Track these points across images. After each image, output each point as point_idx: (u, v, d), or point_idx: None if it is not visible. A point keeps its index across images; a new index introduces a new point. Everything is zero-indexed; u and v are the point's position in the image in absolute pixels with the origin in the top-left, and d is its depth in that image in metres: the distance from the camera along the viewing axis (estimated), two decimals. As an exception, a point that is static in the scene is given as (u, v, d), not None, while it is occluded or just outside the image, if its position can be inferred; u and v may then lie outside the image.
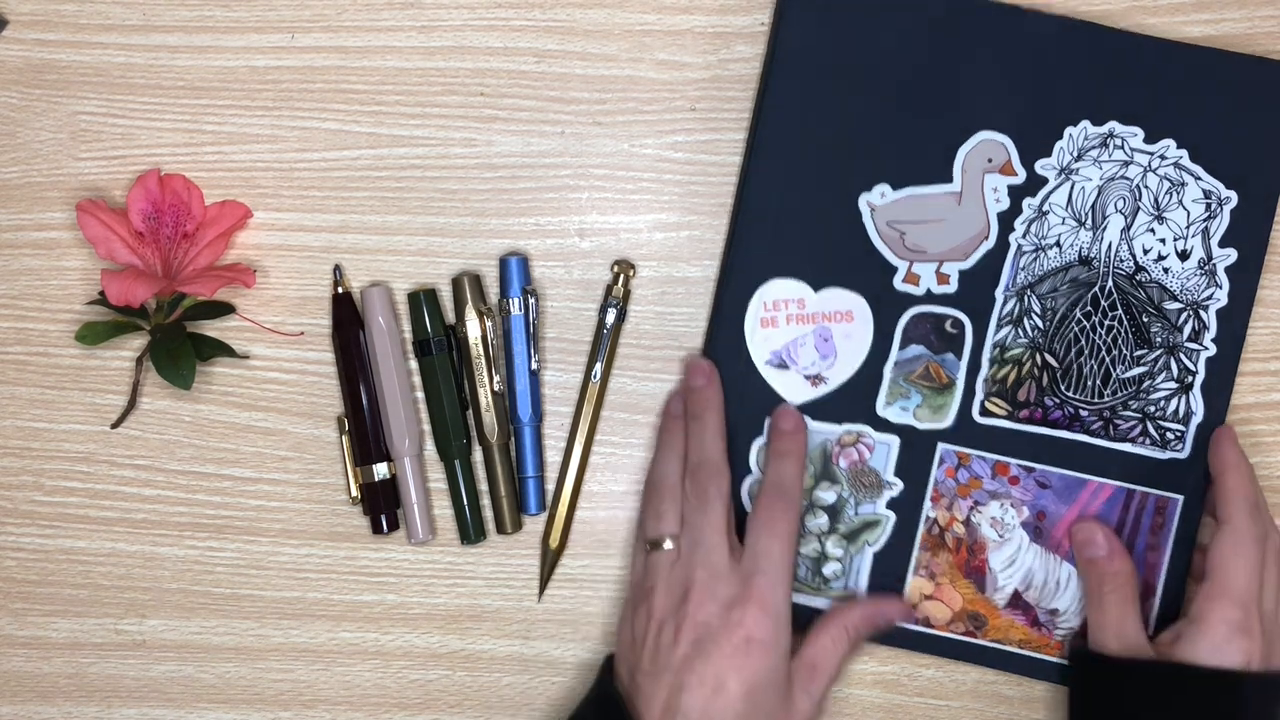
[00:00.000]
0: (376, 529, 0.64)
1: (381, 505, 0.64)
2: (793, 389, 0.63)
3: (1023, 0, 0.62)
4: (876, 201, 0.62)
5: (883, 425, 0.63)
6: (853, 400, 0.63)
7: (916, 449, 0.63)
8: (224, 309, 0.64)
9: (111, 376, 0.64)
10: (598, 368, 0.63)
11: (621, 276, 0.63)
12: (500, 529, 0.64)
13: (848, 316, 0.62)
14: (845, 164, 0.62)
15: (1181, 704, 0.57)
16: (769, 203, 0.62)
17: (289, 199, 0.64)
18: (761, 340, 0.63)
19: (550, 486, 0.65)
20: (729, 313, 0.63)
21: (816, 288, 0.62)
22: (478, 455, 0.65)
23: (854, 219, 0.62)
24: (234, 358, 0.64)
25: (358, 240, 0.64)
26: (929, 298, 0.62)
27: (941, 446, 0.63)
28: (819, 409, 0.63)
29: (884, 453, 0.63)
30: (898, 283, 0.62)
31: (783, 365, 0.63)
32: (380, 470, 0.63)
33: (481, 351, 0.63)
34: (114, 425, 0.64)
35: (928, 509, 0.63)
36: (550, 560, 0.64)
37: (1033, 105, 0.62)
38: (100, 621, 0.65)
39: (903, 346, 0.62)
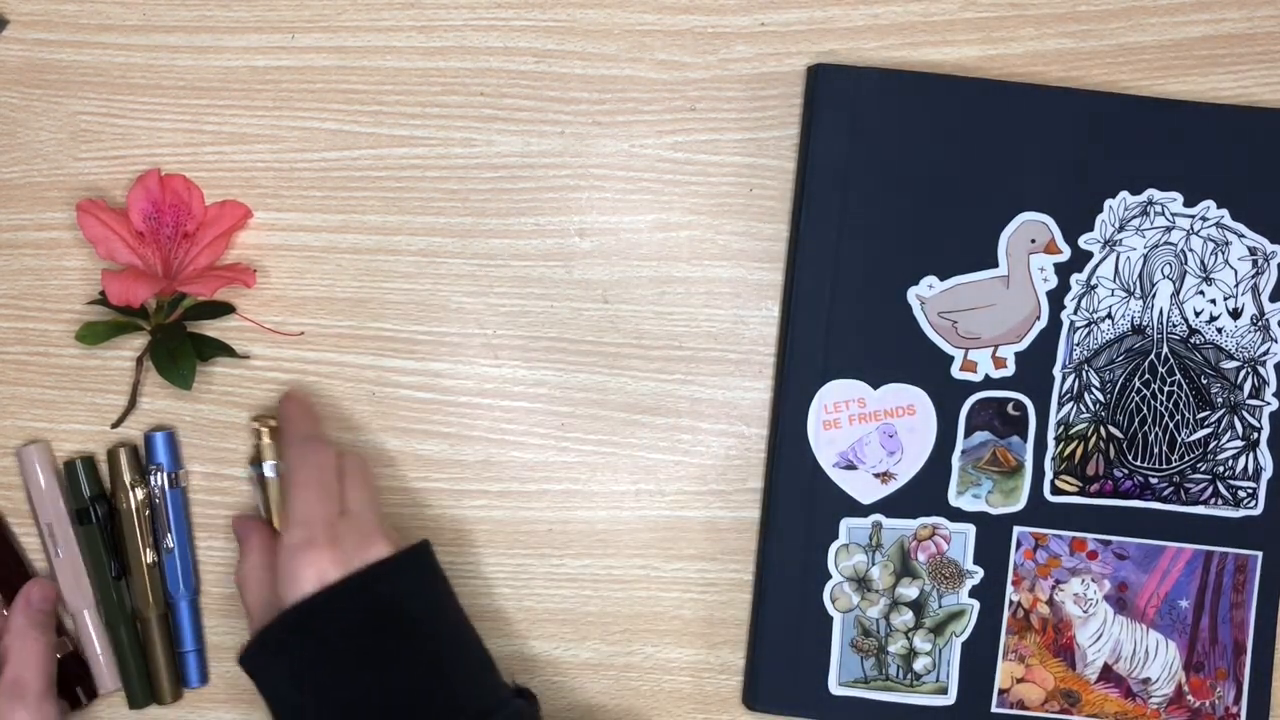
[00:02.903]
0: (75, 704, 0.63)
1: (75, 679, 0.63)
2: (863, 488, 0.63)
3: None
4: (925, 294, 0.63)
5: (957, 515, 0.63)
6: (924, 493, 0.63)
7: (993, 535, 0.63)
8: (224, 309, 0.64)
9: (112, 376, 0.64)
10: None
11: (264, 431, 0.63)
12: (159, 700, 0.63)
13: (909, 410, 0.63)
14: (889, 260, 0.63)
15: (281, 653, 0.54)
16: (818, 307, 0.63)
17: (289, 199, 0.64)
18: (826, 443, 0.63)
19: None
20: (791, 418, 0.63)
21: (875, 385, 0.63)
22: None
23: (905, 313, 0.63)
24: (234, 358, 0.64)
25: (358, 240, 0.64)
26: (988, 383, 0.63)
27: (1017, 530, 0.63)
28: (891, 505, 0.63)
29: (961, 542, 0.63)
30: (955, 372, 0.63)
31: (850, 466, 0.63)
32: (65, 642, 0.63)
33: (136, 524, 0.62)
34: (114, 425, 0.64)
35: (1010, 593, 0.64)
36: None
37: (1069, 181, 0.63)
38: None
39: (968, 434, 0.63)
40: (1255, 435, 0.64)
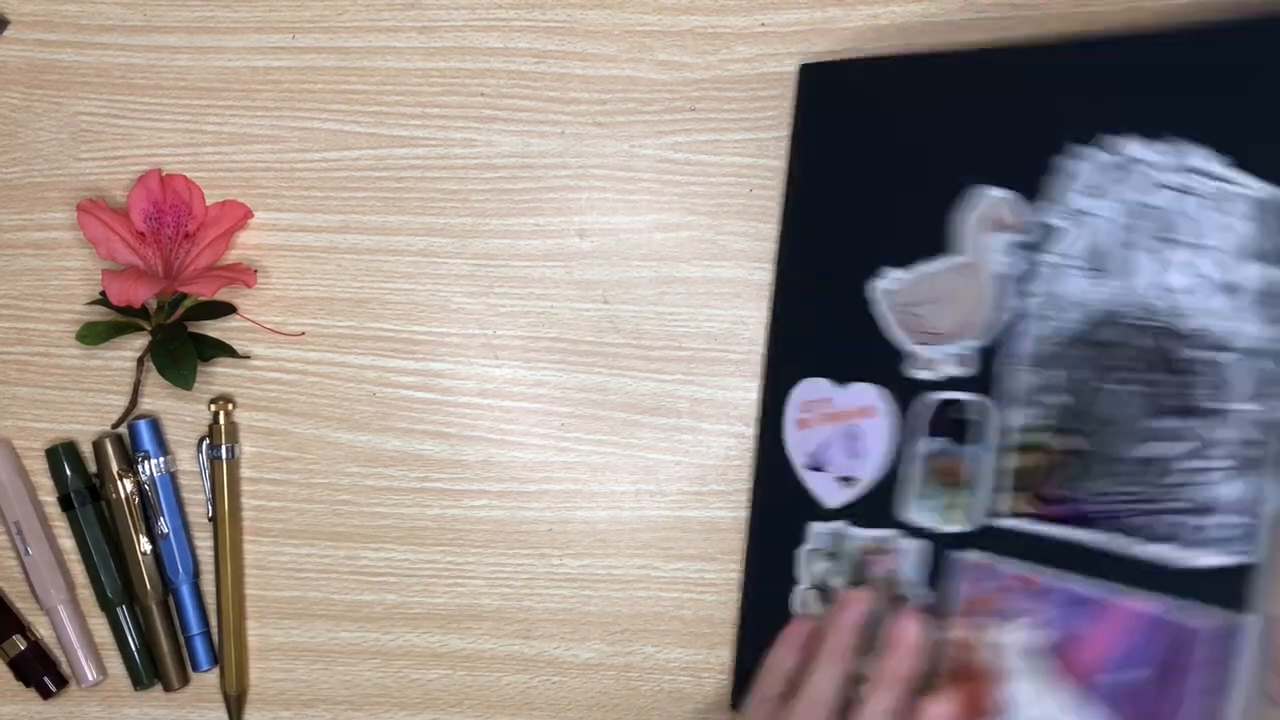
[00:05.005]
0: (45, 693, 0.64)
1: (40, 670, 0.64)
2: (827, 492, 0.61)
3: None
4: (888, 286, 0.59)
5: (910, 529, 0.58)
6: (882, 501, 0.58)
7: (942, 554, 0.57)
8: (225, 309, 0.64)
9: (113, 377, 0.65)
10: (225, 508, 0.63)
11: (221, 414, 0.63)
12: (166, 686, 0.64)
13: (871, 412, 0.59)
14: (854, 254, 0.60)
15: None
16: (799, 306, 0.62)
17: (290, 199, 0.64)
18: (798, 443, 0.61)
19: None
20: (770, 418, 0.62)
21: (842, 384, 0.60)
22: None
23: (869, 309, 0.59)
24: (235, 358, 0.64)
25: (358, 240, 0.64)
26: (951, 383, 0.57)
27: (963, 553, 0.56)
28: (853, 512, 0.59)
29: (910, 559, 0.58)
30: (915, 370, 0.58)
31: (818, 468, 0.61)
32: (19, 640, 0.64)
33: (127, 513, 0.63)
34: (115, 425, 0.64)
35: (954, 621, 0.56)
36: (236, 705, 0.64)
37: (1031, 149, 0.54)
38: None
39: (927, 437, 0.57)
40: (1249, 455, 0.48)
